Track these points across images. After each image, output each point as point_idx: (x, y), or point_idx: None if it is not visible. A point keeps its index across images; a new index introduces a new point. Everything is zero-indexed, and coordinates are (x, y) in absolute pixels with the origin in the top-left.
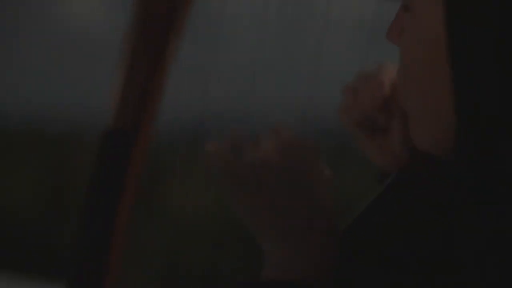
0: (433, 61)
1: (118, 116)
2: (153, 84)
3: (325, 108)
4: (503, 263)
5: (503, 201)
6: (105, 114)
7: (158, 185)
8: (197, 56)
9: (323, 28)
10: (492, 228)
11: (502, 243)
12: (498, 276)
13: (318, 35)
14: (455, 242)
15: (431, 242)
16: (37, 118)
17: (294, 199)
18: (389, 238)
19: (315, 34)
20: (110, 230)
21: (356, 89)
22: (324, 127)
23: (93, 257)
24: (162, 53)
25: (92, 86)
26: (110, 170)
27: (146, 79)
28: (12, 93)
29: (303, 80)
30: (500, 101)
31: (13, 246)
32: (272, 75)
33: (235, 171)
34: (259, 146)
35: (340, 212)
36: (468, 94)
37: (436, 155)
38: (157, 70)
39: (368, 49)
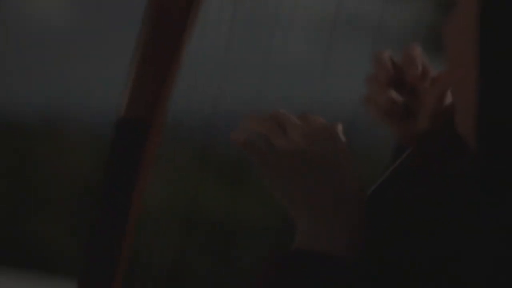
0: (468, 57)
1: (132, 108)
2: (167, 76)
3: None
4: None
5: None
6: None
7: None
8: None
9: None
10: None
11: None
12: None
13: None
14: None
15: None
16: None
17: (323, 180)
18: (405, 214)
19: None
20: (124, 222)
21: (377, 77)
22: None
23: (108, 247)
24: (176, 46)
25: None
26: (125, 160)
27: (159, 71)
28: None
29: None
30: None
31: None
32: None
33: (269, 159)
34: (288, 133)
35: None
36: (490, 93)
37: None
38: (170, 63)
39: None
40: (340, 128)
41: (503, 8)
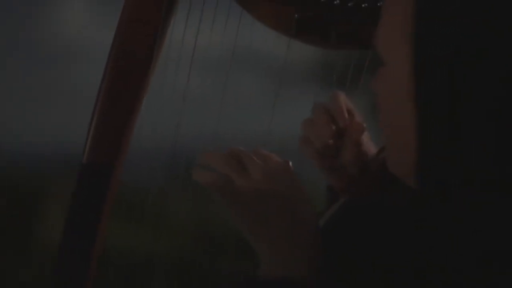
0: (401, 106)
1: (96, 150)
2: (129, 120)
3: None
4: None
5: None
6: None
7: None
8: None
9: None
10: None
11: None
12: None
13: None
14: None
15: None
16: None
17: (280, 213)
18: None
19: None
20: (90, 252)
21: (313, 121)
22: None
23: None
24: (138, 91)
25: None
26: (89, 200)
27: (122, 115)
28: None
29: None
30: (458, 142)
31: None
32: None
33: (230, 195)
34: (248, 172)
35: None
36: (430, 133)
37: (404, 180)
38: (132, 107)
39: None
40: (290, 164)
41: (433, 72)
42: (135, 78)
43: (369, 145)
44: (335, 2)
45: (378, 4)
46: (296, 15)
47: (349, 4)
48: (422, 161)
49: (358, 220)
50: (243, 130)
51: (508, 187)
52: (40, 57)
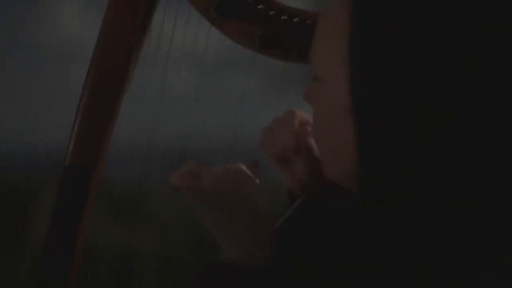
0: (338, 119)
1: (78, 154)
2: (111, 119)
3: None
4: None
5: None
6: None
7: None
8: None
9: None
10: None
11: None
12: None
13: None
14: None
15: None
16: None
17: (239, 210)
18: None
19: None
20: (72, 251)
21: (272, 130)
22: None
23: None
24: (120, 91)
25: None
26: (71, 202)
27: (102, 120)
28: None
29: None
30: (393, 152)
31: None
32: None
33: (197, 193)
34: (213, 173)
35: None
36: (368, 144)
37: (341, 185)
38: (112, 110)
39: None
40: (244, 167)
41: (370, 89)
42: (118, 78)
43: None
44: (294, 20)
45: None
46: (258, 32)
47: (307, 22)
48: (362, 169)
49: (308, 220)
50: (224, 129)
51: (445, 192)
52: (40, 58)
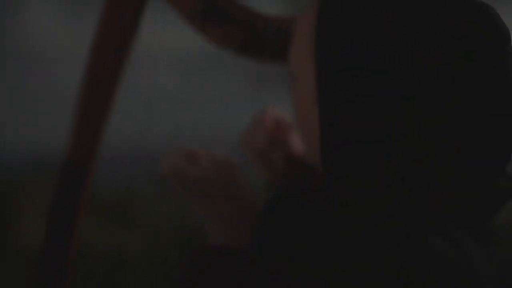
0: (311, 111)
1: (74, 152)
2: (102, 123)
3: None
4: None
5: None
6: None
7: None
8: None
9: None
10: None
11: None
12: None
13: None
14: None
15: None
16: None
17: (224, 197)
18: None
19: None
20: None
21: (251, 129)
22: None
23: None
24: (111, 95)
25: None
26: (69, 197)
27: (97, 118)
28: None
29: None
30: (354, 138)
31: None
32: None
33: (185, 183)
34: (199, 164)
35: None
36: (328, 128)
37: (318, 168)
38: (106, 110)
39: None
40: (231, 158)
41: (333, 83)
42: (109, 83)
43: (297, 144)
44: (272, 25)
45: None
46: (240, 36)
47: (283, 27)
48: (323, 154)
49: (284, 213)
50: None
51: (435, 192)
52: (14, 60)
